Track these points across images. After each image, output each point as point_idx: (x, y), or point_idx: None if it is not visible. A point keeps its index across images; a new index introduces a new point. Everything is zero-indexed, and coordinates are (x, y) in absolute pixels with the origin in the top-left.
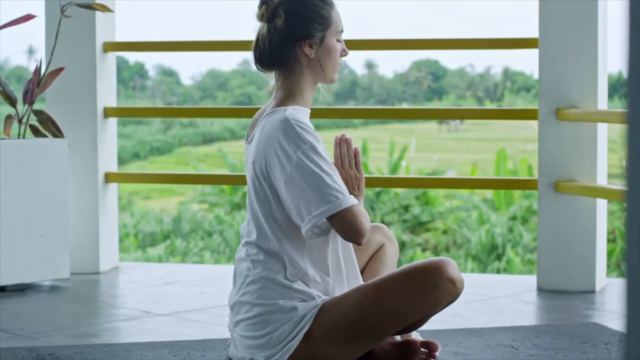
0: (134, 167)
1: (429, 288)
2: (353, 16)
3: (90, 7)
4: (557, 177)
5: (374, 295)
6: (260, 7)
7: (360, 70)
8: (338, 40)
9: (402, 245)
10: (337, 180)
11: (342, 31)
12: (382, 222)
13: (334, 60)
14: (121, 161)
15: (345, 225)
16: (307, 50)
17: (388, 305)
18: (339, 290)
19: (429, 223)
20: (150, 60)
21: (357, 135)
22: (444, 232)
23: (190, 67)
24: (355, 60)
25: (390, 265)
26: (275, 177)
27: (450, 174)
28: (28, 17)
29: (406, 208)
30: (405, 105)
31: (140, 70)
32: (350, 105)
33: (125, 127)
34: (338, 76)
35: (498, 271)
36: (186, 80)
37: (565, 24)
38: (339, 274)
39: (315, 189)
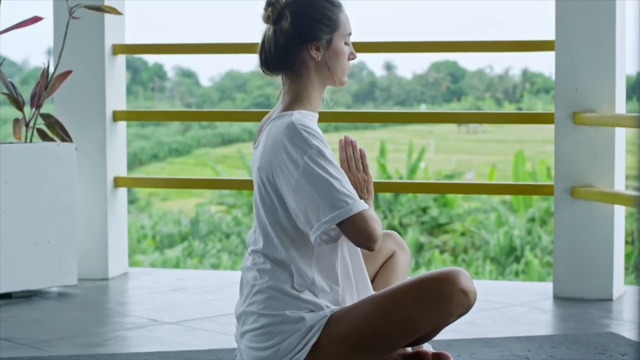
0: (153, 168)
1: (440, 299)
2: (367, 17)
3: (99, 9)
4: (574, 183)
5: (384, 306)
6: (265, 8)
7: (379, 72)
8: (346, 43)
9: (420, 247)
10: (346, 185)
11: (350, 34)
12: (400, 224)
13: (342, 63)
14: (140, 162)
15: (356, 231)
16: (313, 53)
17: (398, 317)
18: (349, 299)
19: (447, 225)
20: (169, 62)
21: (376, 136)
22: (462, 234)
23: (209, 69)
24: (374, 62)
25: (401, 274)
26: (282, 183)
27: (469, 176)
28: (35, 20)
29: (424, 210)
30: (424, 107)
31: (159, 72)
32: (369, 106)
33: (144, 128)
34: (348, 79)
35: (517, 274)
36: (205, 81)
37: (582, 25)
38: (348, 282)
39: (324, 195)
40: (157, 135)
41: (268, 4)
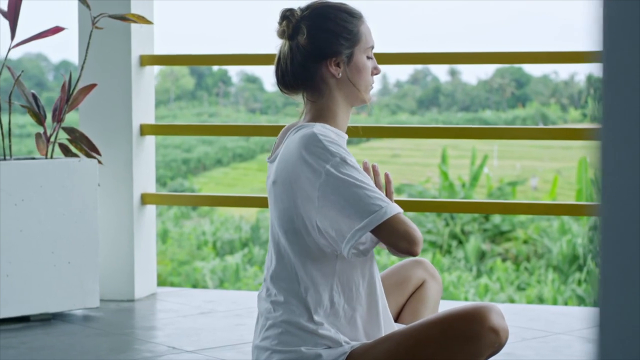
0: (217, 173)
1: (468, 339)
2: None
3: (124, 19)
4: None
5: (408, 344)
6: (280, 22)
7: (444, 77)
8: (368, 57)
9: (482, 255)
10: (375, 190)
11: (372, 47)
12: (462, 231)
13: (365, 79)
14: (204, 168)
15: (394, 234)
16: (333, 69)
17: (422, 356)
18: (374, 333)
19: (510, 232)
20: (234, 67)
21: (438, 142)
22: (525, 242)
23: (274, 80)
24: (438, 67)
25: (431, 305)
26: (303, 197)
27: (533, 183)
28: (56, 30)
29: (486, 217)
30: (488, 113)
31: (223, 77)
32: (433, 112)
33: None
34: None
35: (579, 282)
36: (269, 86)
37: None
38: (374, 312)
39: (353, 202)
40: (221, 141)
41: (283, 18)
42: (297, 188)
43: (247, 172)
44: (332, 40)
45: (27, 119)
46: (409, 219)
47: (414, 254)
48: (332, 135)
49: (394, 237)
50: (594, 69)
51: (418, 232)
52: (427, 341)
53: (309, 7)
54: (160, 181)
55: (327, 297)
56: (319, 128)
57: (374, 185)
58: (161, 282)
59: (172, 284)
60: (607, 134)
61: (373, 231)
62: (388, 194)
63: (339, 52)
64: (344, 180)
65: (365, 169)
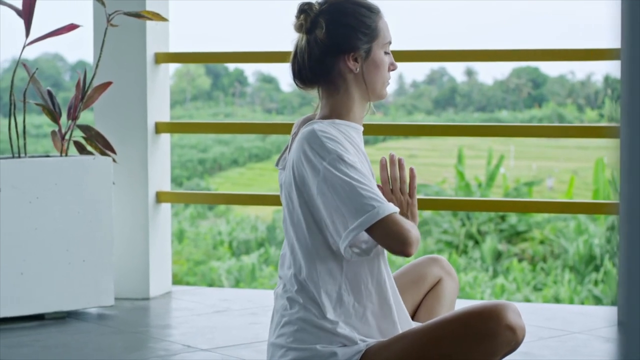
0: (233, 174)
1: (484, 336)
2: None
3: (139, 16)
4: None
5: (423, 342)
6: (298, 16)
7: (460, 77)
8: (386, 53)
9: (499, 256)
10: (371, 188)
11: (390, 43)
12: (479, 231)
13: (382, 75)
14: (220, 168)
15: (388, 235)
16: (351, 64)
17: (438, 355)
18: (390, 331)
19: (526, 233)
20: (250, 67)
21: (455, 142)
22: (541, 242)
23: (290, 74)
24: (455, 67)
25: (448, 303)
26: (308, 195)
27: (549, 183)
28: (71, 27)
29: (503, 217)
30: (505, 113)
31: (239, 77)
32: (450, 112)
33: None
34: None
35: (596, 283)
36: (285, 87)
37: None
38: (387, 309)
39: (347, 201)
40: (237, 141)
41: (300, 12)
42: (302, 185)
43: (263, 172)
44: (350, 35)
45: (44, 119)
46: (406, 220)
47: (407, 255)
48: (333, 131)
49: (387, 238)
50: (612, 68)
51: (412, 233)
52: (443, 339)
53: (327, 2)
54: (177, 181)
55: (336, 295)
56: (320, 125)
57: (370, 184)
58: (177, 282)
59: (188, 284)
60: (625, 133)
61: (367, 231)
62: (411, 189)
63: (357, 47)
64: (339, 178)
65: (392, 162)
